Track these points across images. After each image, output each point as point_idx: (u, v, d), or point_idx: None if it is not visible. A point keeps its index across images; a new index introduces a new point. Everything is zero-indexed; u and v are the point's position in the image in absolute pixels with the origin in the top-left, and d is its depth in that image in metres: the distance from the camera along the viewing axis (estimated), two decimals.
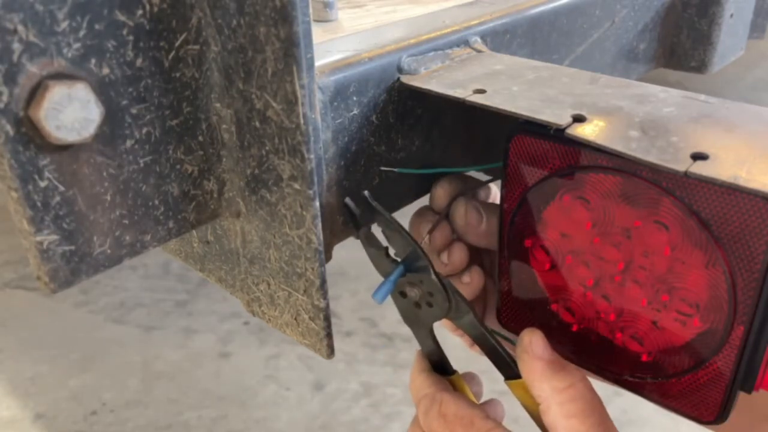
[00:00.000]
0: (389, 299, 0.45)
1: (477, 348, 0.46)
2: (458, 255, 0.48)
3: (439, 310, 0.44)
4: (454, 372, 0.48)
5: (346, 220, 0.44)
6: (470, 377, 0.49)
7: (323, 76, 0.40)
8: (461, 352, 0.49)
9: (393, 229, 0.43)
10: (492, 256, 0.47)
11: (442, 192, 0.47)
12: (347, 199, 0.44)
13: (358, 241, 0.50)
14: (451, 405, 0.42)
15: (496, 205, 0.44)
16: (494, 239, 0.45)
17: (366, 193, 0.44)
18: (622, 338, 0.41)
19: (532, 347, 0.40)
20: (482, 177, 0.55)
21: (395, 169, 0.46)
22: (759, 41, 0.90)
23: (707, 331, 0.37)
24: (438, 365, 0.47)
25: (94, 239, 0.33)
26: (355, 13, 0.56)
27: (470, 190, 0.50)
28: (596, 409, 0.38)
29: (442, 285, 0.43)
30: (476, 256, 0.50)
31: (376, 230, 0.45)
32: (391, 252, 0.44)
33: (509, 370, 0.43)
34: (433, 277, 0.42)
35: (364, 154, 0.44)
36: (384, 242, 0.44)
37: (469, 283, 0.49)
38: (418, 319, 0.45)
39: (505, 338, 0.48)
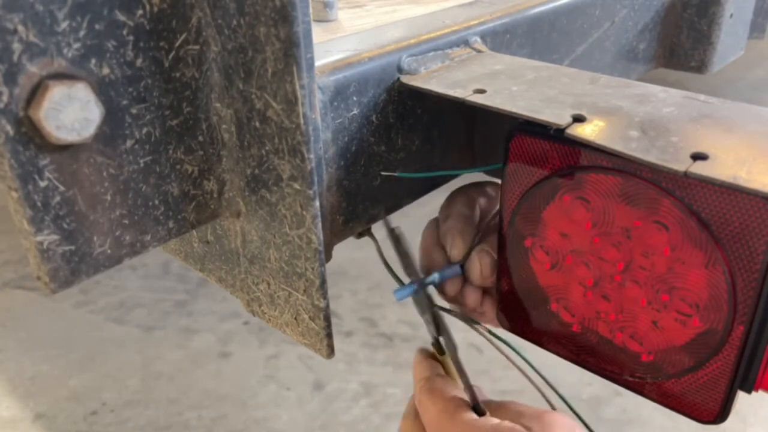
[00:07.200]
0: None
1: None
2: (472, 299, 0.49)
3: (432, 330, 0.47)
4: (444, 353, 0.50)
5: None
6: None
7: (323, 76, 0.40)
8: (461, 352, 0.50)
9: (409, 264, 0.45)
10: None
11: (456, 252, 0.49)
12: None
13: (358, 241, 0.50)
14: (439, 383, 0.46)
15: None
16: None
17: (390, 223, 0.46)
18: (622, 338, 0.41)
19: None
20: (483, 177, 0.55)
21: (396, 174, 0.46)
22: (759, 41, 0.90)
23: (707, 331, 0.36)
24: (436, 348, 0.50)
25: (94, 239, 0.33)
26: (355, 13, 0.56)
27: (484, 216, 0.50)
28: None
29: (435, 324, 0.46)
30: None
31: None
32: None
33: None
34: (429, 317, 0.46)
35: (364, 154, 0.44)
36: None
37: (484, 314, 0.50)
38: (423, 312, 0.48)
39: (498, 338, 0.50)
